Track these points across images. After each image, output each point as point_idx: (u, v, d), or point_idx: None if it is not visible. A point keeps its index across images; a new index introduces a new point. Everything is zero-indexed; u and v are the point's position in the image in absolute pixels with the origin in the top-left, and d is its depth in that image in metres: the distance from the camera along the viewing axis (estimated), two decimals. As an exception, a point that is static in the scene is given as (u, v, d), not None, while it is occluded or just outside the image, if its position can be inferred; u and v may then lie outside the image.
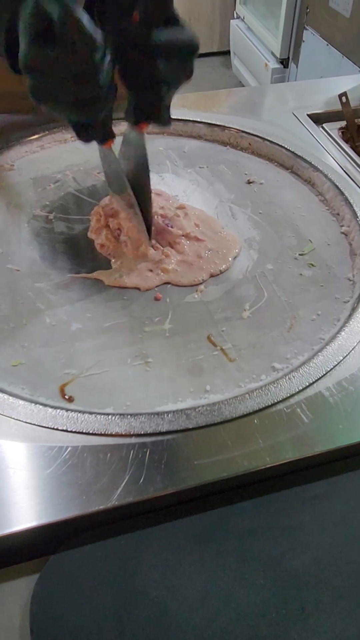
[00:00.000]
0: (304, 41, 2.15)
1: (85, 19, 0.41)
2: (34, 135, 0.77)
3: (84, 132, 0.49)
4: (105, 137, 0.52)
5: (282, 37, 2.22)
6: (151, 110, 0.51)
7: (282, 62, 2.31)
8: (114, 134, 0.52)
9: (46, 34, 0.41)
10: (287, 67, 2.30)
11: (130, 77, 0.49)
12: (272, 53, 2.34)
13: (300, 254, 0.63)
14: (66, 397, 0.48)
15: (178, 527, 0.41)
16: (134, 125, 0.53)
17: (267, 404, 0.46)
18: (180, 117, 0.81)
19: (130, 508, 0.40)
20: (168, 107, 0.51)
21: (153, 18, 0.46)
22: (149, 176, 0.59)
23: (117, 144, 0.55)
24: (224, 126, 0.81)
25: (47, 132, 0.78)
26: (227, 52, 2.99)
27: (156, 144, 0.80)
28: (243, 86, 2.73)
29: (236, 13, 2.67)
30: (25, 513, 0.39)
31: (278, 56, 2.29)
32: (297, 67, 2.23)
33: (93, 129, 0.49)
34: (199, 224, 0.64)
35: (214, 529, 0.40)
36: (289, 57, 2.28)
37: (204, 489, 0.42)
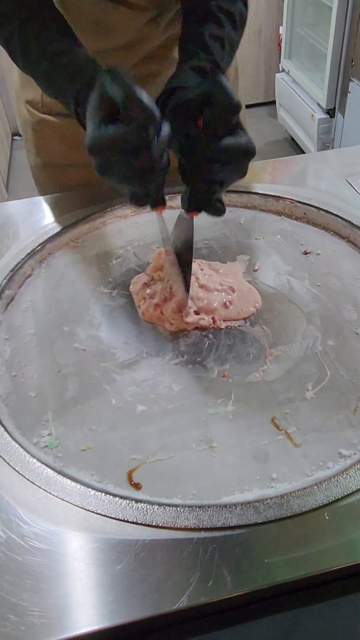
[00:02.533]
0: (349, 92, 2.18)
1: (144, 97, 0.46)
2: (96, 212, 0.81)
3: (138, 199, 0.53)
4: (156, 203, 0.56)
5: (327, 89, 2.26)
6: (204, 204, 0.56)
7: (328, 113, 2.34)
8: (164, 201, 0.56)
9: (110, 116, 0.48)
10: (334, 117, 2.33)
11: (187, 173, 0.55)
12: (318, 104, 2.38)
13: (361, 329, 0.63)
14: (133, 483, 0.49)
15: (250, 630, 0.40)
16: (187, 212, 0.58)
17: (337, 497, 0.45)
18: (235, 189, 0.84)
19: (200, 609, 0.40)
20: (220, 201, 0.56)
21: (216, 129, 0.50)
22: (191, 256, 0.63)
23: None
24: (278, 196, 0.82)
25: (108, 208, 0.82)
26: (273, 102, 3.07)
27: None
28: (290, 136, 2.78)
29: (281, 67, 2.74)
30: (98, 612, 0.40)
31: (324, 107, 2.32)
32: (343, 117, 2.26)
33: (146, 197, 0.53)
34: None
35: (289, 633, 0.40)
36: (335, 108, 2.31)
37: (276, 589, 0.41)
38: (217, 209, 0.56)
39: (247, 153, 0.52)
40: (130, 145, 0.48)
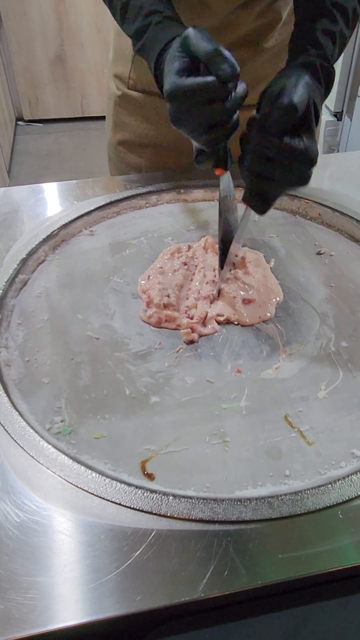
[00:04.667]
0: (358, 96, 2.18)
1: (227, 53, 0.50)
2: (111, 201, 0.81)
3: (203, 157, 0.57)
4: (217, 164, 0.59)
5: (336, 92, 2.26)
6: (246, 195, 0.58)
7: (335, 116, 2.34)
8: (226, 164, 0.59)
9: (190, 68, 0.51)
10: (341, 120, 2.34)
11: (241, 163, 0.56)
12: (326, 106, 2.38)
13: (374, 332, 0.63)
14: (147, 473, 0.49)
15: (262, 624, 0.40)
16: (243, 201, 0.60)
17: (350, 496, 0.46)
18: (250, 186, 0.84)
19: (214, 600, 0.40)
20: (266, 199, 0.57)
21: (269, 125, 0.51)
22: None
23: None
24: (294, 196, 0.82)
25: (123, 198, 0.81)
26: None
27: (227, 211, 0.83)
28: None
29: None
30: (113, 600, 0.40)
31: (332, 109, 2.33)
32: (351, 120, 2.26)
33: (212, 155, 0.57)
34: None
35: (300, 629, 0.40)
36: (342, 111, 2.31)
37: (289, 584, 0.41)
38: (258, 206, 0.58)
39: (303, 159, 0.52)
40: (208, 95, 0.50)
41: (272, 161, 0.53)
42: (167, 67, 0.53)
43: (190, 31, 0.52)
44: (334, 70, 0.61)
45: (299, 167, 0.53)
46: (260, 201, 0.57)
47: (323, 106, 2.30)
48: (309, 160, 0.52)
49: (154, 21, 0.61)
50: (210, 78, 0.49)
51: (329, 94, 0.62)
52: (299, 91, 0.51)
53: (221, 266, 0.67)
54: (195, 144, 0.57)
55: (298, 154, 0.51)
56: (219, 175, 0.62)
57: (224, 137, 0.55)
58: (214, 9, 0.75)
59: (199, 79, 0.50)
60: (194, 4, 0.75)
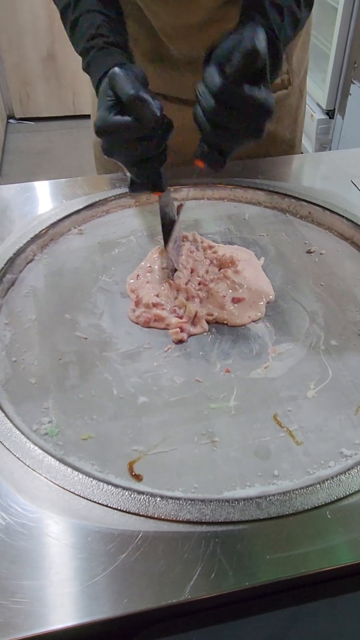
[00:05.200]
0: (350, 94, 2.18)
1: (148, 96, 0.53)
2: (100, 200, 0.80)
3: (136, 186, 0.62)
4: (154, 189, 0.63)
5: (328, 90, 2.26)
6: (203, 152, 0.56)
7: (327, 114, 2.34)
8: (162, 188, 0.62)
9: (117, 105, 0.55)
10: (333, 118, 2.34)
11: (198, 118, 0.54)
12: (318, 104, 2.38)
13: (364, 330, 0.63)
14: (134, 474, 0.49)
15: (250, 625, 0.40)
16: (194, 158, 0.57)
17: (339, 496, 0.46)
18: (241, 184, 0.83)
19: (202, 602, 0.40)
20: (223, 153, 0.55)
21: (234, 73, 0.50)
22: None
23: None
24: (284, 194, 0.82)
25: (112, 197, 0.81)
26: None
27: (217, 209, 0.82)
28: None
29: (282, 65, 2.74)
30: (100, 603, 0.39)
31: (324, 107, 2.33)
32: (343, 118, 2.27)
33: (143, 184, 0.61)
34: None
35: (288, 630, 0.40)
36: (335, 109, 2.31)
37: (277, 585, 0.41)
38: (214, 159, 0.55)
39: (262, 109, 0.51)
40: (131, 134, 0.55)
41: (232, 110, 0.51)
42: (99, 101, 0.57)
43: (115, 72, 0.54)
44: (281, 46, 0.61)
45: (257, 118, 0.52)
46: (216, 155, 0.55)
47: (315, 104, 2.28)
48: (267, 111, 0.51)
49: (96, 46, 0.63)
50: (128, 119, 0.54)
51: (278, 70, 0.61)
52: (260, 39, 0.49)
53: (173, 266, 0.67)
54: (127, 173, 0.60)
55: (259, 103, 0.50)
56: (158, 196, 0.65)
57: (153, 169, 0.59)
58: (201, 4, 0.75)
59: (121, 119, 0.54)
60: (177, 1, 0.75)
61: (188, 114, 0.65)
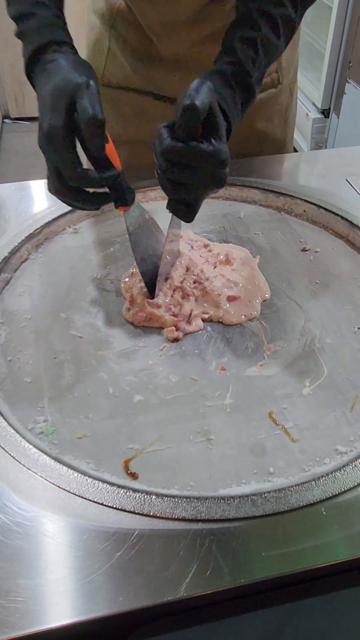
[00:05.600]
0: (345, 93, 2.19)
1: (86, 171, 0.53)
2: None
3: (101, 198, 0.58)
4: (116, 203, 0.59)
5: (323, 89, 2.26)
6: (171, 206, 0.56)
7: (323, 113, 2.35)
8: (126, 200, 0.58)
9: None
10: (328, 117, 2.34)
11: (161, 180, 0.54)
12: (313, 103, 2.38)
13: (359, 328, 0.63)
14: (130, 472, 0.49)
15: (245, 623, 0.40)
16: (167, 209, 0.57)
17: (334, 493, 0.46)
18: (236, 183, 0.83)
19: (197, 600, 0.40)
20: (194, 207, 0.55)
21: (178, 131, 0.50)
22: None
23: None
24: (279, 192, 0.82)
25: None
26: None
27: (212, 208, 0.82)
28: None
29: (277, 64, 2.74)
30: (95, 601, 0.39)
31: (319, 107, 2.33)
32: (338, 117, 2.27)
33: (107, 196, 0.58)
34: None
35: (282, 627, 0.40)
36: (330, 108, 2.32)
37: (273, 582, 0.41)
38: (182, 213, 0.56)
39: (213, 161, 0.51)
40: (79, 198, 0.56)
41: (184, 166, 0.52)
42: (43, 107, 0.53)
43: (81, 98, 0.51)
44: (254, 78, 0.60)
45: (212, 170, 0.52)
46: (183, 208, 0.56)
47: (310, 103, 2.27)
48: (220, 162, 0.52)
49: (38, 14, 0.60)
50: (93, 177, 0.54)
51: (251, 98, 0.61)
52: (200, 94, 0.50)
53: (153, 293, 0.64)
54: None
55: (208, 156, 0.51)
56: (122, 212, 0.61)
57: (91, 201, 0.57)
58: (183, 4, 0.75)
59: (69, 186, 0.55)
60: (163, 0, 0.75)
61: (171, 111, 0.66)
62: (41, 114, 0.54)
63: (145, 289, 0.64)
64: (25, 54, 0.60)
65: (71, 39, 0.62)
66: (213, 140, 0.51)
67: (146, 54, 0.83)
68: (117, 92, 0.88)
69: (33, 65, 0.59)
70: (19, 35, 0.62)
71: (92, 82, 0.52)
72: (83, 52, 0.92)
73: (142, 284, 0.65)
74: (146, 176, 0.84)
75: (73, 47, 0.61)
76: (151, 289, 0.64)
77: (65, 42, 0.60)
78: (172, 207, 0.56)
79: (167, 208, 0.57)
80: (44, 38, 0.59)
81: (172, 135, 0.51)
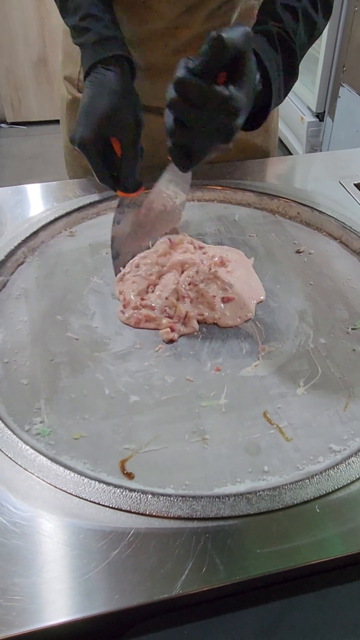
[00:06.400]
0: (339, 97, 2.20)
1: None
2: (91, 202, 0.81)
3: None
4: (118, 187, 0.68)
5: (318, 93, 2.28)
6: (171, 149, 0.54)
7: (317, 116, 2.36)
8: (127, 188, 0.67)
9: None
10: (323, 121, 2.36)
11: (167, 116, 0.52)
12: (308, 107, 2.40)
13: (352, 328, 0.64)
14: (126, 472, 0.49)
15: (240, 619, 0.40)
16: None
17: (328, 491, 0.46)
18: (230, 186, 0.84)
19: (193, 597, 0.40)
20: (195, 158, 0.54)
21: (202, 68, 0.47)
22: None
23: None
24: (273, 195, 0.83)
25: (103, 199, 0.81)
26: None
27: (207, 210, 0.83)
28: (279, 138, 2.80)
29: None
30: (92, 599, 0.40)
31: (314, 110, 2.35)
32: (332, 121, 2.29)
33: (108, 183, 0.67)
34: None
35: (277, 623, 0.40)
36: (324, 112, 2.33)
37: (267, 579, 0.42)
38: (179, 159, 0.54)
39: (225, 107, 0.47)
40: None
41: (193, 105, 0.48)
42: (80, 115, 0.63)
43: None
44: (297, 47, 0.59)
45: (221, 118, 0.48)
46: (183, 155, 0.53)
47: (305, 107, 2.27)
48: (232, 110, 0.48)
49: (92, 29, 0.64)
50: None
51: (293, 73, 0.59)
52: (233, 31, 0.46)
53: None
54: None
55: (220, 100, 0.47)
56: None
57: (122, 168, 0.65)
58: (159, 13, 0.74)
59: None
60: (138, 8, 0.74)
61: (149, 120, 0.69)
62: (80, 118, 0.63)
63: (136, 287, 0.65)
64: (83, 66, 0.66)
65: (127, 51, 0.65)
66: (232, 86, 0.48)
67: None
68: None
69: (88, 75, 0.65)
70: (78, 45, 0.67)
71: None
72: (60, 58, 0.92)
73: (135, 286, 0.65)
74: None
75: (129, 59, 0.65)
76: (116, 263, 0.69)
77: (121, 56, 0.63)
78: (171, 150, 0.54)
79: (168, 151, 0.55)
80: (99, 55, 0.63)
81: (190, 68, 0.48)
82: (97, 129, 0.62)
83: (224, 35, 0.45)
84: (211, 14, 0.77)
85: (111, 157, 0.65)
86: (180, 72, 0.48)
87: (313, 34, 0.65)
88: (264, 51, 0.55)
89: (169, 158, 0.56)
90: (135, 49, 0.80)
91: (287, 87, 0.60)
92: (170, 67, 0.50)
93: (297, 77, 0.61)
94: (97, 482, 0.47)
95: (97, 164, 0.64)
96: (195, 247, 0.72)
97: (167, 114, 0.52)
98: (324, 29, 0.68)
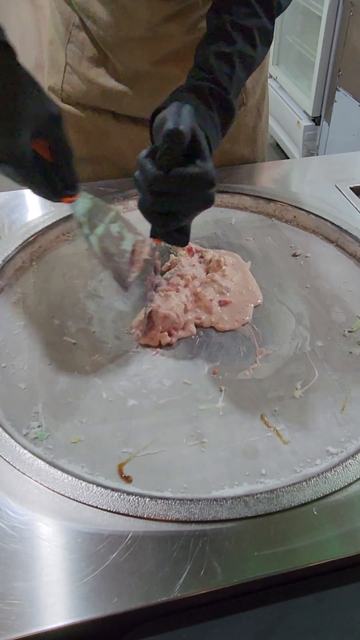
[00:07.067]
0: (336, 101, 2.21)
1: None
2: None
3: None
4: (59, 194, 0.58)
5: (314, 97, 2.29)
6: (162, 235, 0.55)
7: (314, 120, 2.37)
8: (64, 192, 0.57)
9: None
10: (319, 125, 2.37)
11: (149, 213, 0.53)
12: (305, 111, 2.41)
13: (349, 331, 0.64)
14: (124, 476, 0.49)
15: (239, 622, 0.41)
16: (153, 238, 0.57)
17: (325, 493, 0.46)
18: (227, 190, 0.85)
19: (191, 600, 0.40)
20: (182, 230, 0.55)
21: (161, 158, 0.49)
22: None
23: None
24: (269, 199, 0.83)
25: (100, 203, 0.82)
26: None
27: (204, 214, 0.83)
28: (275, 141, 2.81)
29: (269, 73, 2.77)
30: (90, 603, 0.40)
31: (310, 114, 2.36)
32: (329, 125, 2.30)
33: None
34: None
35: (275, 625, 0.40)
36: (321, 116, 2.34)
37: (265, 581, 0.42)
38: (176, 240, 0.55)
39: (200, 184, 0.50)
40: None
41: (172, 195, 0.50)
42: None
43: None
44: (232, 96, 0.59)
45: (200, 192, 0.51)
46: (176, 236, 0.55)
47: (302, 111, 2.28)
48: (208, 183, 0.50)
49: None
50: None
51: (231, 117, 0.59)
52: (183, 117, 0.48)
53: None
54: None
55: (196, 179, 0.49)
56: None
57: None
58: (138, 18, 0.73)
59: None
60: (115, 14, 0.73)
61: (132, 131, 0.69)
62: None
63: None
64: None
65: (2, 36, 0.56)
66: (198, 162, 0.50)
67: (103, 71, 0.81)
68: (77, 109, 0.86)
69: None
70: None
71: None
72: (45, 67, 0.90)
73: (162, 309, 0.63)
74: (128, 187, 0.85)
75: (4, 43, 0.56)
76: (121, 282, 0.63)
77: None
78: (164, 237, 0.55)
79: (151, 237, 0.55)
80: None
81: (155, 164, 0.49)
82: (16, 136, 0.50)
83: (181, 127, 0.47)
84: (194, 25, 0.76)
85: (42, 163, 0.54)
86: (150, 172, 0.49)
87: (252, 68, 0.64)
88: (201, 117, 0.55)
89: (156, 242, 0.58)
90: (114, 56, 0.79)
91: (224, 132, 0.60)
92: (154, 79, 0.49)
93: (233, 118, 0.61)
94: (95, 485, 0.47)
95: (33, 177, 0.53)
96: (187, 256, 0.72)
97: (146, 210, 0.53)
98: (265, 56, 0.67)
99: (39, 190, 0.55)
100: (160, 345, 0.62)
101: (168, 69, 0.77)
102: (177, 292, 0.65)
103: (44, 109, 0.52)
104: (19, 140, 0.50)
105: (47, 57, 0.89)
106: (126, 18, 0.74)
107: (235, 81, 0.60)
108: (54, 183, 0.55)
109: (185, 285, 0.67)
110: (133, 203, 0.83)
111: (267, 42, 0.65)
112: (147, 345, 0.62)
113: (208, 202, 0.53)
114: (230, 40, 0.60)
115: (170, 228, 0.54)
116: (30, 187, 0.55)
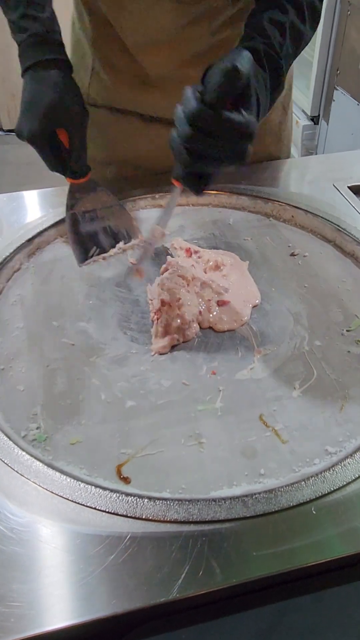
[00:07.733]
0: (334, 100, 2.21)
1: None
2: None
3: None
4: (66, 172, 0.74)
5: (312, 96, 2.29)
6: (183, 176, 0.54)
7: (312, 120, 2.37)
8: (75, 173, 0.74)
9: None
10: (318, 124, 2.37)
11: (178, 148, 0.51)
12: (303, 111, 2.41)
13: (347, 330, 0.64)
14: (123, 477, 0.49)
15: (238, 622, 0.41)
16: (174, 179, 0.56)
17: (323, 493, 0.46)
18: (225, 190, 0.85)
19: (190, 600, 0.40)
20: (209, 180, 0.54)
21: (212, 97, 0.48)
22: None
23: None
24: (267, 199, 0.83)
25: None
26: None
27: (202, 215, 0.84)
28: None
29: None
30: (89, 604, 0.40)
31: (309, 114, 2.36)
32: (327, 124, 2.30)
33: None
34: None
35: (275, 625, 0.40)
36: (319, 115, 2.34)
37: (264, 581, 0.42)
38: (195, 185, 0.53)
39: (240, 133, 0.48)
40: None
41: (209, 136, 0.48)
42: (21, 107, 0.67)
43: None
44: (284, 63, 0.59)
45: (236, 143, 0.49)
46: (197, 181, 0.53)
47: (300, 110, 2.27)
48: (248, 134, 0.49)
49: (30, 29, 0.67)
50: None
51: (279, 88, 0.60)
52: (243, 59, 0.47)
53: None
54: None
55: (237, 126, 0.48)
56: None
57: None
58: (164, 22, 0.74)
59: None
60: (143, 19, 0.74)
61: (157, 131, 0.72)
62: (24, 112, 0.66)
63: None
64: (21, 62, 0.68)
65: (64, 54, 0.68)
66: (243, 111, 0.49)
67: (131, 73, 0.82)
68: (102, 111, 0.87)
69: (26, 71, 0.68)
70: (16, 42, 0.69)
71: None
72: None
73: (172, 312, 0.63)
74: (137, 185, 0.86)
75: (65, 61, 0.68)
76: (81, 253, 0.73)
77: (57, 59, 0.66)
78: (185, 178, 0.53)
79: (173, 178, 0.54)
80: (37, 57, 0.66)
81: (201, 99, 0.48)
82: (44, 121, 0.65)
83: (238, 65, 0.47)
84: (218, 28, 0.76)
85: (59, 147, 0.69)
86: (193, 104, 0.48)
87: (300, 45, 0.65)
88: (253, 67, 0.54)
89: (175, 184, 0.56)
90: (144, 60, 0.79)
91: (273, 100, 0.61)
92: (180, 81, 0.50)
93: (282, 89, 0.62)
94: (93, 487, 0.47)
95: (47, 155, 0.68)
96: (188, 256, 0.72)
97: (176, 144, 0.51)
98: (311, 38, 0.67)
99: (52, 166, 0.70)
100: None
101: (195, 71, 0.78)
102: (187, 291, 0.65)
103: (73, 108, 0.67)
104: (38, 126, 0.65)
105: (73, 57, 0.88)
106: (152, 22, 0.75)
107: (285, 50, 0.60)
108: (64, 165, 0.71)
109: (187, 285, 0.67)
110: (143, 202, 0.84)
111: (315, 22, 0.66)
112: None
113: (241, 157, 0.51)
114: (284, 10, 0.61)
115: (195, 169, 0.52)
116: (45, 163, 0.70)
